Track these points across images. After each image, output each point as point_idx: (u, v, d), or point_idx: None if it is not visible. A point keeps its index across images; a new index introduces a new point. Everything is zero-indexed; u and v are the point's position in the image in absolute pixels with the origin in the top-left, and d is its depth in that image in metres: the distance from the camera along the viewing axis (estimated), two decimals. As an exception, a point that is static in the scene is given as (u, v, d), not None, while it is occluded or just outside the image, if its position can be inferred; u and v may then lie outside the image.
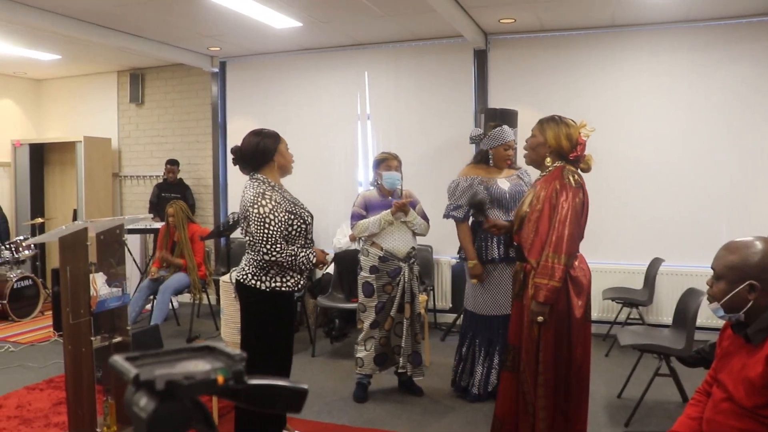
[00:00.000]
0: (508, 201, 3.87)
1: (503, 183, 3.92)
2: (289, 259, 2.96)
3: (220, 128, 7.18)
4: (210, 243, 6.96)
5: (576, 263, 2.79)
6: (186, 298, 6.39)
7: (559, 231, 2.69)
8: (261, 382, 0.84)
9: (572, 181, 2.76)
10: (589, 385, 2.86)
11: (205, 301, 5.99)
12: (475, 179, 3.97)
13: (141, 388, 0.77)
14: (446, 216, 4.05)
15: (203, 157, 7.34)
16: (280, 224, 2.93)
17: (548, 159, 2.88)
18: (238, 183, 6.46)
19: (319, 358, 5.12)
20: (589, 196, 2.85)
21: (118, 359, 0.82)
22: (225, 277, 4.25)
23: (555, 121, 2.89)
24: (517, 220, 2.95)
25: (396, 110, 6.47)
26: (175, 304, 6.47)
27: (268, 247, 2.91)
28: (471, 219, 4.01)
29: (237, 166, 3.10)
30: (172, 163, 7.04)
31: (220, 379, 0.79)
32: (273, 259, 2.93)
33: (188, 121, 7.43)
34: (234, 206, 7.00)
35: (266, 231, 2.90)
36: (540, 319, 2.73)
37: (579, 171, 2.86)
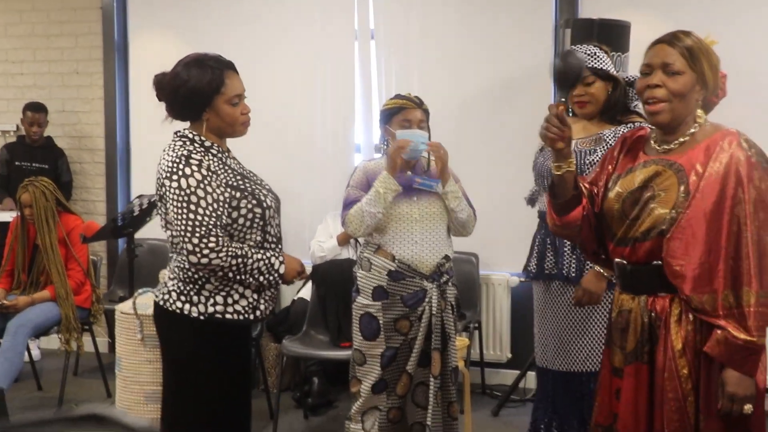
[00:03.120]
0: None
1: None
2: (234, 262, 3.01)
3: (117, 51, 7.14)
4: (100, 248, 6.96)
5: None
6: (54, 342, 6.31)
7: (761, 248, 2.67)
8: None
9: (761, 156, 2.73)
10: None
11: (89, 347, 5.95)
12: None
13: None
14: (532, 201, 4.23)
15: (89, 101, 7.30)
16: (215, 205, 3.01)
17: (700, 112, 2.85)
18: (151, 145, 6.35)
19: (284, 443, 5.17)
20: None
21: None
22: (124, 306, 4.25)
23: (699, 41, 2.85)
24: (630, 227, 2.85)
25: (417, 25, 6.44)
26: (36, 352, 6.45)
27: (195, 241, 2.96)
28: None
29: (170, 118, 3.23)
30: (35, 110, 6.99)
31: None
32: (205, 261, 2.98)
33: (61, 38, 7.38)
34: (142, 184, 6.96)
35: (191, 216, 2.97)
36: (748, 408, 2.68)
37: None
